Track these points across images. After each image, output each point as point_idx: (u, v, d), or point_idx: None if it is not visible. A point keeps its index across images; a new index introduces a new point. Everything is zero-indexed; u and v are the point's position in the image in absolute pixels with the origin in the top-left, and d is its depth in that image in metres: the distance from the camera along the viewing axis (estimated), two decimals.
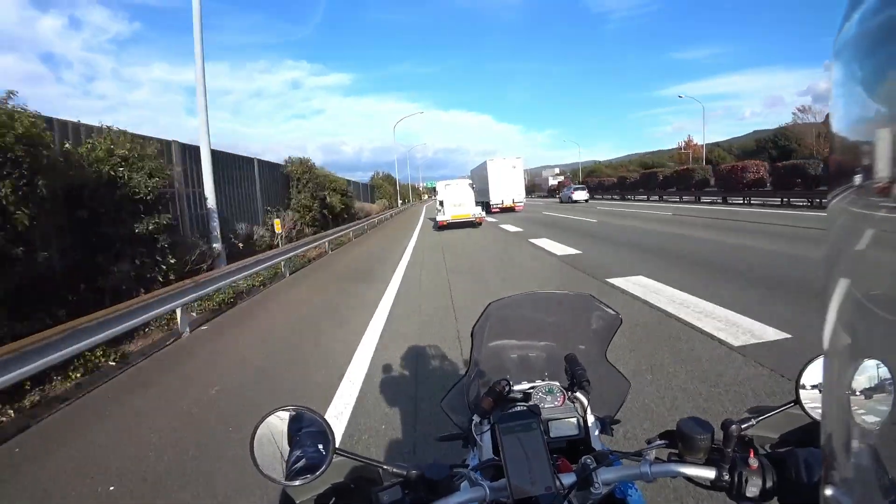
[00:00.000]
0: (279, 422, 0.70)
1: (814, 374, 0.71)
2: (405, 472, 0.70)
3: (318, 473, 0.66)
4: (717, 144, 67.66)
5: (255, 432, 0.69)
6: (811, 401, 0.70)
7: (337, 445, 0.68)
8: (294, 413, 0.70)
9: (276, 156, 29.23)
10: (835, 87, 0.28)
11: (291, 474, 0.67)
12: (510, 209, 21.06)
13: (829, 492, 0.28)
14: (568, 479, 0.70)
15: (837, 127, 0.28)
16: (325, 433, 0.69)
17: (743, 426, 0.68)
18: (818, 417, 0.68)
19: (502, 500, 0.69)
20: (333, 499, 0.75)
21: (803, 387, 0.71)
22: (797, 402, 0.71)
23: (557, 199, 40.93)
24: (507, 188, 20.94)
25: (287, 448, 0.69)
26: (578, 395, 0.98)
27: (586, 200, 35.11)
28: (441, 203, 18.67)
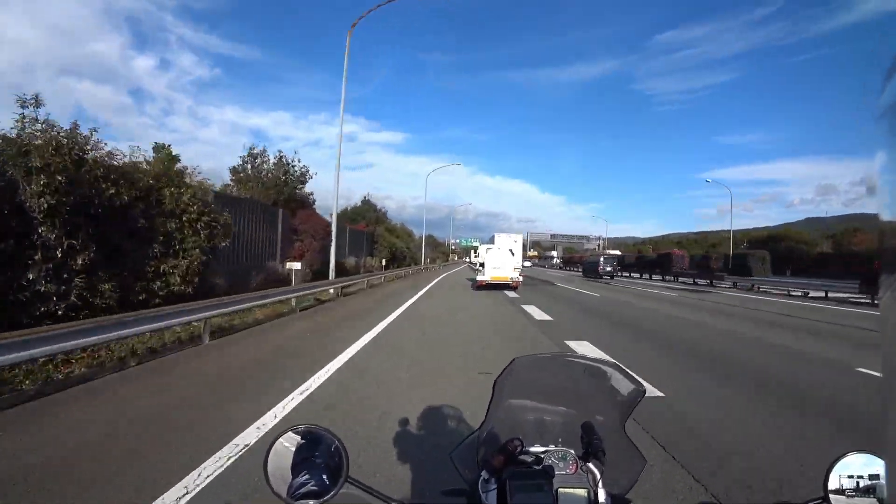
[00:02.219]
0: (297, 439, 0.71)
1: (842, 471, 0.70)
2: None
3: (326, 498, 0.66)
4: (767, 228, 68.65)
5: (270, 448, 0.69)
6: (839, 498, 0.69)
7: (350, 474, 0.69)
8: (313, 433, 0.71)
9: (324, 198, 34.72)
10: (881, 165, 0.25)
11: (298, 495, 0.67)
12: (507, 286, 18.66)
13: None
14: None
15: (888, 214, 0.25)
16: (339, 458, 0.70)
17: None
18: None
19: None
20: None
21: (831, 490, 0.69)
22: (825, 499, 0.70)
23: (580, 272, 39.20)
24: (504, 265, 18.94)
25: (299, 469, 0.70)
26: (591, 465, 0.94)
27: (612, 277, 32.45)
28: (482, 265, 19.77)
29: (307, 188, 22.46)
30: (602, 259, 33.99)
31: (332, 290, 13.92)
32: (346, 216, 36.51)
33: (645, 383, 1.10)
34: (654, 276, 34.05)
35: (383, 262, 27.18)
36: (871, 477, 0.67)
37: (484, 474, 0.92)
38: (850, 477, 0.68)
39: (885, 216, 0.24)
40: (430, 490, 2.52)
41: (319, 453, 0.71)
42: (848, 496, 0.68)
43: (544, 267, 72.92)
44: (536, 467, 0.86)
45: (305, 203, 21.39)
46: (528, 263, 34.93)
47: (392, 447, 3.10)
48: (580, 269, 40.44)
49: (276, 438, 0.70)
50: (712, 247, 54.66)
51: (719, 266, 33.22)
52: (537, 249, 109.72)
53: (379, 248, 30.84)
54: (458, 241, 77.41)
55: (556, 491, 0.85)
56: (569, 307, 13.09)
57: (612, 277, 31.87)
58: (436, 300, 14.45)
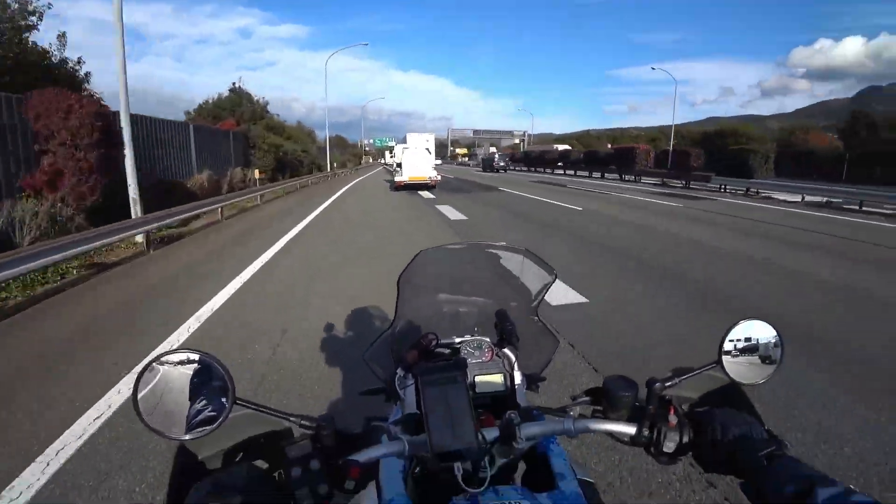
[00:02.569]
0: (171, 367, 0.60)
1: (736, 338, 0.72)
2: (315, 425, 0.65)
3: (215, 425, 0.59)
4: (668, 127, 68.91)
5: (139, 377, 0.59)
6: (731, 363, 0.72)
7: (237, 395, 0.60)
8: (188, 357, 0.60)
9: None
10: None
11: (190, 427, 0.59)
12: (425, 185, 18.68)
13: None
14: (491, 433, 0.70)
15: None
16: (224, 381, 0.60)
17: (666, 384, 0.70)
18: (737, 379, 0.72)
19: (423, 455, 0.68)
20: (242, 454, 0.70)
21: (725, 350, 0.72)
22: (719, 363, 0.72)
23: (479, 166, 45.59)
24: (421, 164, 18.97)
25: (181, 398, 0.60)
26: (507, 351, 0.99)
27: (505, 170, 41.35)
28: (399, 165, 19.60)
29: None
30: (497, 156, 44.51)
31: (139, 238, 7.59)
32: (206, 111, 25.56)
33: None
34: (609, 176, 29.31)
35: (256, 175, 16.95)
36: (760, 340, 0.73)
37: (399, 371, 0.94)
38: (741, 340, 0.73)
39: None
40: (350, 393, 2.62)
41: (198, 379, 0.60)
42: (734, 356, 0.72)
43: (469, 165, 64.96)
44: (450, 359, 0.80)
45: (65, 81, 10.08)
46: (438, 162, 33.14)
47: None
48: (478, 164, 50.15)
49: (143, 371, 0.59)
50: (653, 141, 50.42)
51: (700, 164, 26.28)
52: (458, 147, 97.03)
53: (257, 154, 20.97)
54: (371, 141, 68.39)
55: (473, 379, 0.91)
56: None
57: (505, 171, 39.92)
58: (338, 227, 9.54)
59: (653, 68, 33.83)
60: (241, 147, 19.71)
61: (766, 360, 0.72)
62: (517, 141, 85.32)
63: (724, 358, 0.72)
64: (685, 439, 0.68)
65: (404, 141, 25.24)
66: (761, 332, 0.73)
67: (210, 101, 27.05)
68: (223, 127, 19.94)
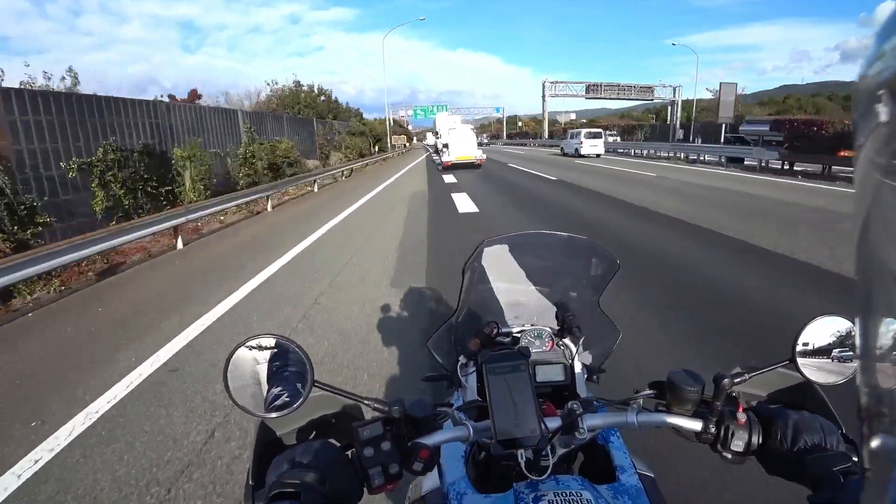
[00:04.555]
0: (255, 350, 0.64)
1: (811, 335, 0.69)
2: (387, 408, 0.66)
3: (295, 406, 0.62)
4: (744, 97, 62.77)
5: (229, 359, 0.63)
6: (806, 361, 0.69)
7: (316, 377, 0.63)
8: (271, 342, 0.64)
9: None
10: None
11: (270, 407, 0.62)
12: (472, 164, 18.82)
13: (875, 442, 0.25)
14: (553, 423, 0.70)
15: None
16: (303, 364, 0.64)
17: (735, 380, 0.68)
18: (812, 378, 0.68)
19: (486, 441, 0.70)
20: (314, 432, 0.73)
21: (801, 348, 0.69)
22: (792, 360, 0.69)
23: (560, 151, 29.34)
24: (467, 144, 19.36)
25: (264, 378, 0.64)
26: (567, 341, 0.99)
27: (598, 155, 24.56)
28: (446, 146, 19.99)
29: None
30: (583, 134, 25.72)
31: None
32: (271, 104, 26.45)
33: None
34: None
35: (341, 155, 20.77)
36: (838, 337, 0.69)
37: (461, 359, 0.98)
38: (818, 336, 0.69)
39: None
40: (413, 377, 2.67)
41: (280, 361, 0.65)
42: (810, 353, 0.69)
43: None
44: (512, 348, 0.82)
45: None
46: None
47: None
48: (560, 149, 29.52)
49: (232, 353, 0.63)
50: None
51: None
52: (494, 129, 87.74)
53: (346, 140, 23.26)
54: (409, 113, 55.04)
55: (534, 368, 0.93)
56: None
57: (597, 157, 24.12)
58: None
59: (673, 44, 30.54)
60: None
61: (844, 358, 0.68)
62: (573, 118, 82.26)
63: (799, 356, 0.69)
64: (754, 439, 0.65)
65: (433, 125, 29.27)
66: (840, 327, 0.69)
67: (269, 91, 28.70)
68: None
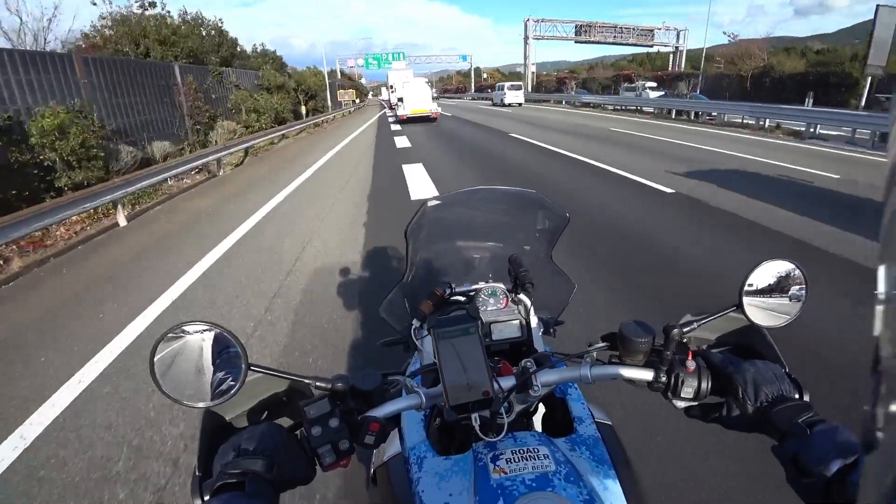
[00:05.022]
0: (186, 338, 0.61)
1: (757, 279, 0.71)
2: (331, 385, 0.65)
3: (232, 392, 0.60)
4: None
5: (154, 351, 0.59)
6: (752, 305, 0.70)
7: (251, 360, 0.61)
8: (198, 328, 0.61)
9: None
10: None
11: (215, 393, 0.61)
12: (427, 117, 19.66)
13: (888, 417, 0.24)
14: (507, 382, 0.71)
15: None
16: (235, 348, 0.61)
17: (684, 329, 0.70)
18: (758, 322, 0.70)
19: (441, 406, 0.68)
20: (266, 412, 0.71)
21: (746, 292, 0.70)
22: (739, 306, 0.71)
23: (490, 102, 34.80)
24: (422, 98, 19.96)
25: (195, 367, 0.61)
26: (522, 296, 0.99)
27: (520, 104, 29.35)
28: (400, 99, 20.40)
29: None
30: (506, 87, 31.47)
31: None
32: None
33: None
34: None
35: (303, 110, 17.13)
36: (781, 279, 0.70)
37: (415, 322, 0.94)
38: (762, 281, 0.71)
39: None
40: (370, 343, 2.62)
41: (209, 348, 0.61)
42: (755, 297, 0.70)
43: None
44: (462, 310, 0.80)
45: None
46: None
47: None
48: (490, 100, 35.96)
49: (157, 344, 0.59)
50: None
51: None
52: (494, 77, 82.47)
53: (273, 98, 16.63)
54: (360, 64, 47.07)
55: (490, 326, 0.94)
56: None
57: (519, 105, 29.92)
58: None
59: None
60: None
61: (789, 299, 0.69)
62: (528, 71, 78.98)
63: (746, 300, 0.70)
64: (703, 385, 0.67)
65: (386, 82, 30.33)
66: (783, 270, 0.70)
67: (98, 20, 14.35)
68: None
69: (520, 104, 30.28)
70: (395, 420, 0.68)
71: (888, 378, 0.24)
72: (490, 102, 34.65)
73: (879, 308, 0.25)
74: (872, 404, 0.25)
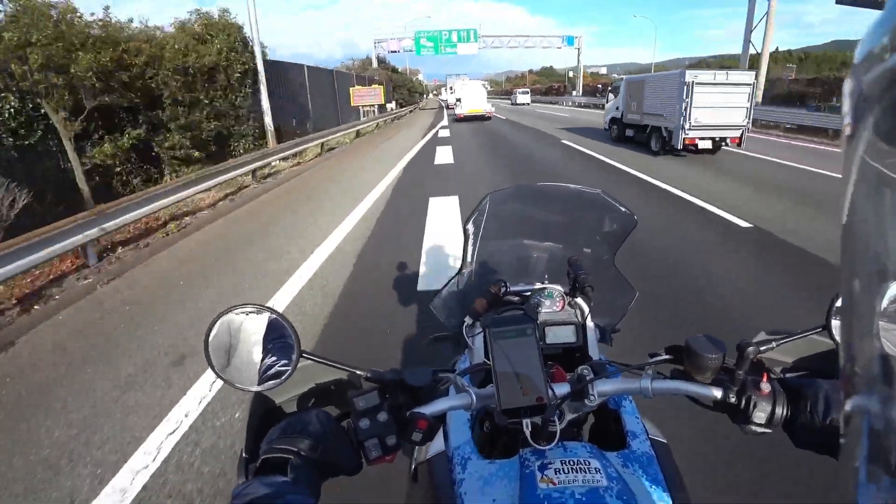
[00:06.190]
0: (239, 321, 0.61)
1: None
2: (382, 378, 0.65)
3: (283, 378, 0.61)
4: (789, 53, 57.63)
5: (209, 332, 0.60)
6: (837, 323, 0.63)
7: (303, 348, 0.62)
8: (253, 311, 0.61)
9: (292, 50, 21.71)
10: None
11: (263, 378, 0.61)
12: (482, 116, 22.39)
13: (850, 405, 0.26)
14: (561, 389, 0.67)
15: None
16: (289, 335, 0.61)
17: (761, 348, 0.64)
18: None
19: (491, 408, 0.67)
20: (314, 399, 0.72)
21: (835, 313, 0.65)
22: (826, 327, 0.65)
23: (509, 102, 44.68)
24: (478, 99, 22.70)
25: (249, 350, 0.62)
26: (579, 300, 0.95)
27: (526, 103, 40.63)
28: (459, 100, 23.05)
29: None
30: (519, 93, 43.11)
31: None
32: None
33: None
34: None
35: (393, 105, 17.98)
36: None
37: (467, 320, 0.90)
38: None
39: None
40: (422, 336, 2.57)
41: (264, 333, 0.62)
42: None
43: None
44: (519, 310, 0.77)
45: None
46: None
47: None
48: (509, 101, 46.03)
49: (212, 325, 0.60)
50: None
51: None
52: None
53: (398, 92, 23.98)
54: (405, 44, 35.03)
55: (544, 329, 0.91)
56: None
57: (527, 105, 39.92)
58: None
59: (634, 16, 24.67)
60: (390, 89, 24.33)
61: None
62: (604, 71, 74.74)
63: (835, 322, 0.64)
64: (779, 411, 0.61)
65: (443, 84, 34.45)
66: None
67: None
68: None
69: (527, 104, 40.77)
70: (441, 417, 0.67)
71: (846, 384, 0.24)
72: (510, 102, 44.46)
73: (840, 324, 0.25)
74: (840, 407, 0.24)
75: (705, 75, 9.24)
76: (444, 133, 16.32)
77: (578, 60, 43.61)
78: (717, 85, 9.08)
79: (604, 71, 76.60)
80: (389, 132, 17.82)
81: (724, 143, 9.55)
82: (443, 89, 58.47)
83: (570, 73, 53.62)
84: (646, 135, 10.42)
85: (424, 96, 63.24)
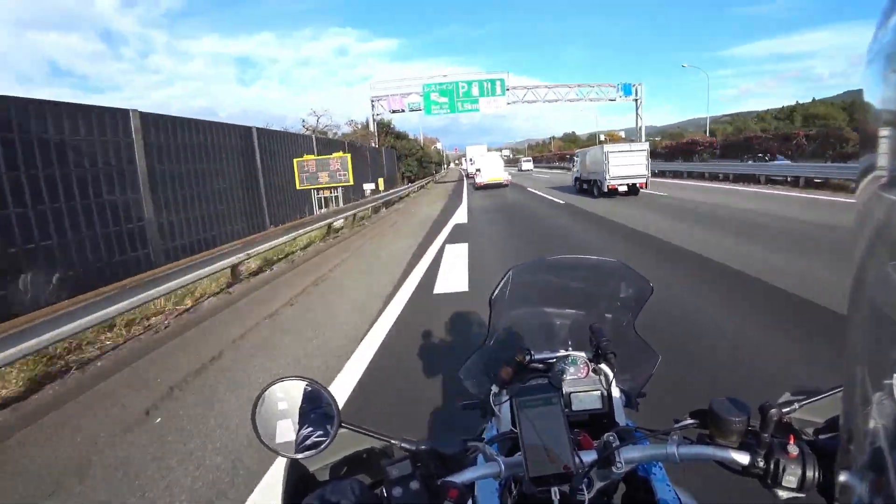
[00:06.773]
0: (283, 393, 0.67)
1: None
2: (415, 447, 0.68)
3: (322, 447, 0.65)
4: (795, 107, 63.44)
5: (257, 402, 0.65)
6: None
7: (342, 418, 0.67)
8: (298, 385, 0.68)
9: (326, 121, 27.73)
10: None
11: (300, 447, 0.66)
12: (500, 185, 24.25)
13: (843, 477, 0.26)
14: (588, 456, 0.67)
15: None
16: (330, 406, 0.67)
17: (784, 409, 0.62)
18: None
19: (519, 476, 0.67)
20: (346, 468, 0.75)
21: None
22: None
23: (516, 169, 54.85)
24: (496, 168, 24.72)
25: (292, 420, 0.67)
26: (603, 366, 0.95)
27: (530, 170, 53.86)
28: (478, 170, 25.05)
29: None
30: (523, 160, 59.98)
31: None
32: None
33: None
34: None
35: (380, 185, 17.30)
36: None
37: (494, 388, 0.94)
38: None
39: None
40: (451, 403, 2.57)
41: (306, 403, 0.69)
42: None
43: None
44: (542, 379, 0.84)
45: None
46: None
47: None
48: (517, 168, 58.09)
49: (260, 395, 0.67)
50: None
51: None
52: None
53: (406, 163, 30.52)
54: (411, 100, 25.80)
55: (569, 396, 0.90)
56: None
57: (530, 171, 53.75)
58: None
59: (683, 66, 27.21)
60: (392, 159, 27.29)
61: None
62: (604, 139, 77.91)
63: None
64: (809, 474, 0.59)
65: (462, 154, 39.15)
66: None
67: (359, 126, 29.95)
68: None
69: (530, 170, 54.54)
70: (471, 486, 0.68)
71: (842, 455, 0.25)
72: (517, 168, 55.68)
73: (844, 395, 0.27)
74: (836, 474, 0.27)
75: (616, 146, 15.64)
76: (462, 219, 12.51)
77: (637, 115, 29.97)
78: (625, 152, 14.95)
79: (622, 134, 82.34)
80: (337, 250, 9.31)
81: (637, 186, 15.01)
82: (462, 159, 62.85)
83: (602, 137, 48.41)
84: (590, 186, 16.50)
85: (444, 166, 67.85)
